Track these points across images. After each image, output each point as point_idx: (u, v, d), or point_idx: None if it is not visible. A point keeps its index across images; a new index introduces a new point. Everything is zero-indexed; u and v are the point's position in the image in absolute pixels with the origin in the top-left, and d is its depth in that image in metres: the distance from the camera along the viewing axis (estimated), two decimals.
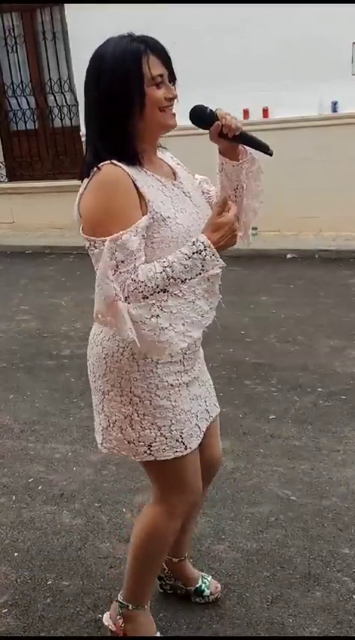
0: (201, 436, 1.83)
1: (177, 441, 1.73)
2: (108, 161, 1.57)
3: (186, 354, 1.74)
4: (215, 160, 1.84)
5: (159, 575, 2.15)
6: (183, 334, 1.58)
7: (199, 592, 2.16)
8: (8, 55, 8.20)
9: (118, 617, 1.97)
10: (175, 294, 1.54)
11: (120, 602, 1.97)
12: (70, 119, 8.14)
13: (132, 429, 1.72)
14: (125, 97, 1.56)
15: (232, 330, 4.53)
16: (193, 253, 1.55)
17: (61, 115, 8.19)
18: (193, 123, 1.73)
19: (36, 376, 4.12)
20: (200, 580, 2.18)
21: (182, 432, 1.74)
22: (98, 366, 1.74)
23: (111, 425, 1.75)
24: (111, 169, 1.56)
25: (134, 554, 1.91)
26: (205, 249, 1.55)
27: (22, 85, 8.24)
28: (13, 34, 8.10)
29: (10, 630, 2.13)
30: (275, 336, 4.46)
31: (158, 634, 2.00)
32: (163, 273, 1.53)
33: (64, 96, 8.09)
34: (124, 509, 2.70)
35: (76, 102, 7.89)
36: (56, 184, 8.01)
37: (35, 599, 2.25)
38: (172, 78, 1.64)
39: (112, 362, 1.70)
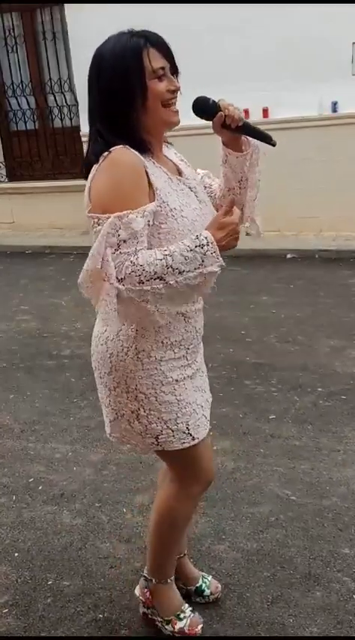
0: (208, 425, 1.87)
1: (184, 432, 1.77)
2: (121, 145, 1.56)
3: (189, 348, 1.78)
4: (218, 153, 1.84)
5: None
6: (164, 313, 1.59)
7: (199, 592, 2.17)
8: (8, 55, 8.20)
9: (145, 590, 2.08)
10: (170, 284, 1.53)
11: (145, 577, 2.08)
12: (70, 119, 8.13)
13: (140, 422, 1.76)
14: (126, 92, 1.56)
15: (232, 330, 4.53)
16: (195, 246, 1.55)
17: (61, 115, 8.19)
18: (196, 114, 1.72)
19: (36, 376, 4.12)
20: (200, 580, 2.19)
21: (188, 424, 1.78)
22: (103, 364, 1.77)
23: (119, 417, 1.79)
24: (123, 151, 1.56)
25: (152, 531, 1.99)
26: (207, 245, 1.55)
27: (22, 85, 8.23)
28: (13, 34, 8.10)
29: (11, 630, 2.13)
30: (276, 336, 4.46)
31: (186, 606, 2.06)
32: (163, 260, 1.52)
33: (64, 96, 8.09)
34: (125, 509, 2.70)
35: (76, 102, 7.89)
36: (56, 184, 8.02)
37: (36, 599, 2.25)
38: (174, 70, 1.64)
39: (117, 361, 1.72)
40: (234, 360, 4.03)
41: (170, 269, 1.52)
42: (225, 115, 1.70)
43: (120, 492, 2.81)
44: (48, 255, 7.20)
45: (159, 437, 1.77)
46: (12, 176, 8.59)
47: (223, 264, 1.58)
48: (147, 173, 1.58)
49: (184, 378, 1.77)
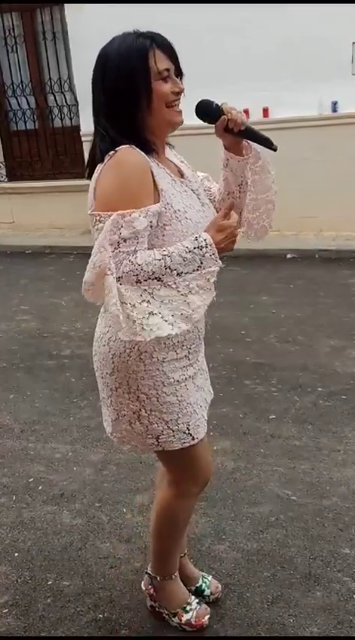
0: (206, 424, 1.88)
1: (184, 432, 1.78)
2: (127, 145, 1.56)
3: (190, 348, 1.78)
4: (219, 156, 1.85)
5: None
6: (172, 324, 1.54)
7: (199, 592, 2.17)
8: (8, 55, 8.19)
9: (150, 586, 2.11)
10: (169, 284, 1.53)
11: (149, 574, 2.09)
12: (70, 119, 8.13)
13: (140, 423, 1.77)
14: (132, 92, 1.57)
15: (232, 330, 4.53)
16: (194, 248, 1.55)
17: (61, 115, 8.19)
18: (199, 117, 1.73)
19: (36, 376, 4.12)
20: (200, 580, 2.19)
21: (189, 425, 1.78)
22: (105, 365, 1.77)
23: (120, 418, 1.80)
24: (131, 150, 1.57)
25: (153, 532, 2.01)
26: (206, 247, 1.56)
27: (22, 85, 8.23)
28: (13, 34, 8.10)
29: (11, 630, 2.13)
30: (276, 336, 4.46)
31: (192, 598, 2.08)
32: (161, 261, 1.52)
33: (64, 96, 8.09)
34: (125, 509, 2.69)
35: (76, 102, 7.89)
36: (56, 184, 8.02)
37: (36, 599, 2.25)
38: (179, 72, 1.65)
39: (119, 362, 1.72)
40: (234, 360, 4.03)
41: (168, 270, 1.52)
42: (228, 119, 1.71)
43: (121, 492, 2.81)
44: (48, 255, 7.19)
45: (160, 437, 1.77)
46: (12, 176, 8.59)
47: (222, 265, 1.58)
48: (152, 174, 1.58)
49: (186, 379, 1.78)
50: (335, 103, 6.60)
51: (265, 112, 6.79)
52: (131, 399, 1.75)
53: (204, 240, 1.56)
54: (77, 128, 7.85)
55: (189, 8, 6.59)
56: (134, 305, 1.51)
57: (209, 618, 2.07)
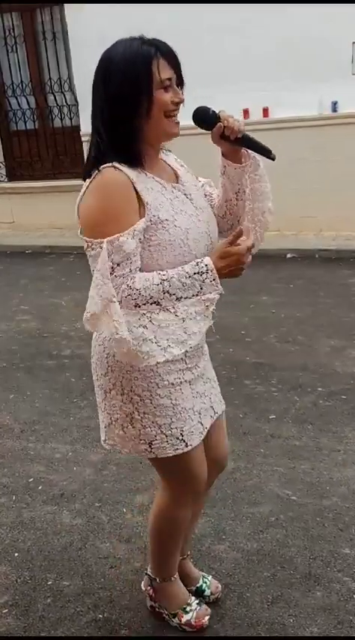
0: (204, 433, 1.85)
1: (178, 438, 1.75)
2: (110, 164, 1.58)
3: (188, 351, 1.74)
4: (217, 162, 1.84)
5: None
6: (165, 349, 1.58)
7: (200, 592, 2.17)
8: (8, 55, 8.19)
9: (149, 587, 2.11)
10: (167, 309, 1.55)
11: (148, 575, 2.09)
12: (70, 119, 8.13)
13: (133, 427, 1.75)
14: (133, 99, 1.57)
15: (232, 329, 4.53)
16: (194, 273, 1.56)
17: (61, 115, 8.19)
18: (196, 124, 1.73)
19: (36, 376, 4.12)
20: (201, 580, 2.19)
21: (182, 430, 1.75)
22: (100, 365, 1.77)
23: (113, 422, 1.78)
24: (111, 172, 1.58)
25: (151, 537, 2.02)
26: (207, 272, 1.56)
27: (22, 85, 8.23)
28: (13, 33, 8.09)
29: (11, 630, 2.13)
30: (276, 335, 4.46)
31: (192, 599, 2.07)
32: (160, 285, 1.54)
33: (64, 96, 8.09)
34: (125, 509, 2.69)
35: (76, 102, 7.88)
36: (56, 184, 8.01)
37: (35, 600, 2.25)
38: (180, 82, 1.65)
39: (113, 361, 1.72)
40: (234, 360, 4.03)
41: (167, 294, 1.54)
42: (224, 126, 1.71)
43: (121, 492, 2.81)
44: (48, 255, 7.20)
45: (153, 443, 1.75)
46: (12, 176, 8.59)
47: (222, 291, 1.59)
48: (136, 190, 1.58)
49: (181, 383, 1.75)
50: (335, 103, 6.60)
51: (265, 111, 6.79)
52: (124, 400, 1.74)
53: (205, 265, 1.57)
54: (77, 128, 7.84)
55: (189, 8, 6.59)
56: (130, 330, 1.54)
57: (209, 618, 2.07)
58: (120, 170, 1.57)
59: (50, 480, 2.96)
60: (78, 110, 7.87)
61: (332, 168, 6.59)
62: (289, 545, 2.41)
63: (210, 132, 1.74)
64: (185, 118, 1.74)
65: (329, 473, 2.83)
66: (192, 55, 6.59)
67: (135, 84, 1.56)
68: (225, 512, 2.62)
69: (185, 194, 1.73)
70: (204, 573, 2.24)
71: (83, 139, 7.54)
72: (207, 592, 2.18)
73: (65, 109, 8.14)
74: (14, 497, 2.85)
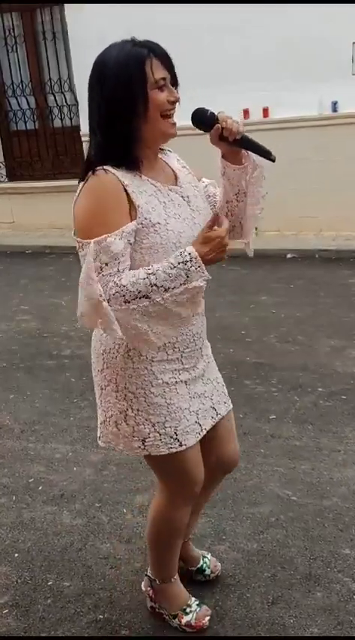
0: (202, 433, 1.84)
1: (172, 437, 1.76)
2: (102, 167, 1.60)
3: (184, 351, 1.77)
4: (216, 163, 1.84)
5: None
6: (160, 334, 1.62)
7: (201, 571, 2.25)
8: (8, 55, 8.19)
9: (149, 588, 2.11)
10: (157, 301, 1.56)
11: (148, 576, 2.10)
12: (70, 119, 8.13)
13: (127, 424, 1.76)
14: (129, 101, 1.58)
15: (232, 330, 4.53)
16: (179, 263, 1.56)
17: (61, 115, 8.19)
18: (194, 125, 1.74)
19: (36, 376, 4.12)
20: (201, 560, 2.26)
21: (177, 429, 1.76)
22: (97, 362, 1.80)
23: (108, 420, 1.81)
24: (102, 175, 1.60)
25: (149, 539, 2.02)
26: (191, 260, 1.56)
27: (22, 85, 8.23)
28: (13, 33, 8.09)
29: (11, 631, 2.13)
30: (276, 336, 4.45)
31: (192, 600, 2.08)
32: (146, 279, 1.55)
33: (64, 96, 8.09)
34: (125, 510, 2.69)
35: (76, 102, 7.88)
36: (56, 184, 8.01)
37: (36, 600, 2.25)
38: (174, 81, 1.66)
39: (109, 358, 1.74)
40: (234, 360, 4.03)
41: (155, 287, 1.55)
42: (222, 128, 1.71)
43: (121, 493, 2.81)
44: (48, 255, 7.20)
45: (146, 440, 1.75)
46: (12, 176, 8.59)
47: (209, 277, 1.59)
48: (127, 193, 1.59)
49: (176, 382, 1.76)
50: (335, 103, 6.60)
51: (265, 111, 6.78)
52: (118, 397, 1.76)
53: (189, 254, 1.57)
54: (77, 128, 7.84)
55: (189, 8, 6.59)
56: (125, 326, 1.58)
57: (209, 619, 2.07)
58: (112, 173, 1.59)
59: (50, 480, 2.96)
60: (78, 110, 7.87)
61: (332, 168, 6.59)
62: (289, 546, 2.40)
63: (208, 133, 1.74)
64: (184, 118, 1.74)
65: (330, 473, 2.83)
66: (192, 55, 6.61)
67: (128, 86, 1.57)
68: (225, 512, 2.62)
69: (182, 196, 1.73)
70: (204, 552, 2.30)
71: (83, 139, 7.54)
72: (208, 571, 2.24)
73: (65, 109, 8.14)
74: (14, 498, 2.85)
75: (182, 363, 1.77)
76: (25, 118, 8.36)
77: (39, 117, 8.30)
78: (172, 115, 1.66)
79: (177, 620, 2.06)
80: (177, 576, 2.08)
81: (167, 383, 1.74)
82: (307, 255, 6.37)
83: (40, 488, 2.91)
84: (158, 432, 1.75)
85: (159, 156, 1.78)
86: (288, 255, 6.42)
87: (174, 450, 1.77)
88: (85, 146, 7.80)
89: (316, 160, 6.59)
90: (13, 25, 8.05)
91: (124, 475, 2.93)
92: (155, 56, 1.59)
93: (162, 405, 1.74)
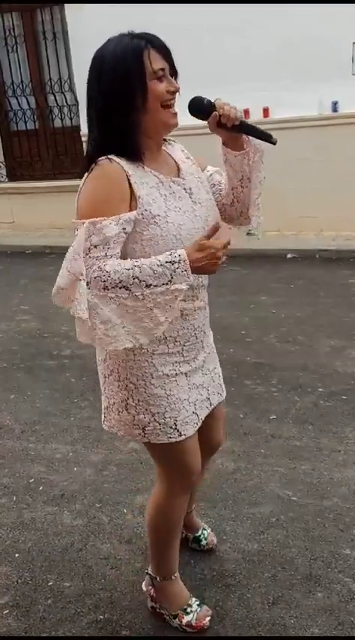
0: (199, 424, 1.88)
1: (171, 427, 1.78)
2: (106, 157, 1.61)
3: (185, 345, 1.79)
4: (218, 152, 1.84)
5: None
6: (132, 336, 1.57)
7: (197, 540, 2.37)
8: (8, 55, 8.19)
9: (150, 587, 2.12)
10: (136, 295, 1.54)
11: (149, 575, 2.11)
12: (71, 119, 8.13)
13: (128, 412, 1.79)
14: (127, 93, 1.59)
15: (232, 330, 4.53)
16: (166, 262, 1.56)
17: (61, 115, 8.19)
18: (192, 114, 1.73)
19: (36, 376, 4.12)
20: (200, 530, 2.38)
21: (176, 420, 1.79)
22: (100, 351, 1.83)
23: (111, 406, 1.84)
24: (106, 164, 1.61)
25: (148, 532, 2.04)
26: (179, 262, 1.55)
27: (23, 85, 8.23)
28: (13, 33, 8.10)
29: (12, 631, 2.13)
30: (276, 336, 4.45)
31: (193, 600, 2.09)
32: (130, 270, 1.54)
33: (65, 96, 8.09)
34: (125, 510, 2.69)
35: (77, 102, 7.89)
36: (56, 184, 8.01)
37: (36, 600, 2.25)
38: (173, 72, 1.66)
39: (111, 349, 1.72)
40: (235, 360, 4.03)
41: (136, 280, 1.53)
42: (220, 115, 1.71)
43: (121, 493, 2.81)
44: (48, 255, 7.19)
45: (146, 428, 1.79)
46: (12, 176, 8.59)
47: (191, 282, 1.58)
48: (130, 183, 1.60)
49: (177, 374, 1.78)
50: (335, 103, 6.60)
51: (265, 112, 6.79)
52: (120, 387, 1.78)
53: (179, 255, 1.56)
54: (77, 128, 7.85)
55: (189, 8, 6.59)
56: (98, 313, 1.54)
57: (209, 619, 2.07)
58: (117, 162, 1.61)
59: (51, 480, 2.96)
60: (78, 110, 7.88)
61: (333, 168, 6.59)
62: (290, 546, 2.40)
63: (206, 122, 1.74)
64: (184, 118, 1.74)
65: (330, 473, 2.83)
66: (192, 55, 6.61)
67: (126, 78, 1.58)
68: (225, 512, 2.62)
69: (184, 189, 1.74)
70: (204, 525, 2.42)
71: (83, 139, 7.53)
72: (204, 542, 2.36)
73: (65, 109, 8.15)
74: (15, 498, 2.85)
75: (183, 356, 1.79)
76: (25, 118, 8.36)
77: (39, 117, 8.30)
78: (173, 104, 1.66)
79: (177, 620, 2.06)
80: (177, 574, 2.08)
81: (167, 375, 1.76)
82: (307, 255, 6.37)
83: (40, 488, 2.91)
84: (158, 422, 1.77)
85: (163, 147, 1.79)
86: (288, 255, 6.42)
87: (173, 440, 1.80)
88: (85, 146, 7.84)
89: (316, 159, 6.59)
90: (13, 24, 8.06)
91: (125, 475, 2.93)
92: (153, 47, 1.60)
93: (162, 396, 1.76)
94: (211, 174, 1.92)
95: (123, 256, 1.61)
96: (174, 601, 2.08)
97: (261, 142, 1.78)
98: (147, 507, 2.03)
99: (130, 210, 1.60)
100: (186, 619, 2.05)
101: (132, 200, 1.61)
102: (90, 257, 1.55)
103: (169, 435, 1.79)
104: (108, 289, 1.53)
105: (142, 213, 1.61)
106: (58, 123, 8.24)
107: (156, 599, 2.10)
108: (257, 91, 6.45)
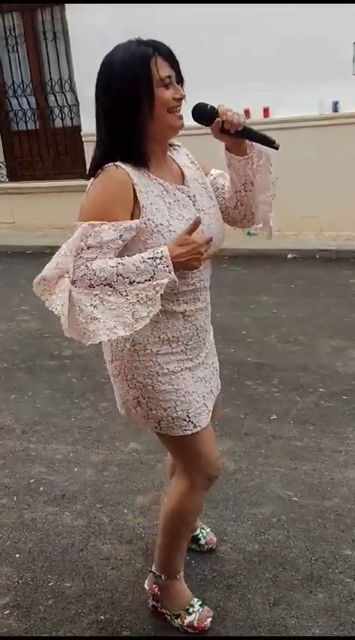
0: (209, 414, 1.92)
1: (185, 420, 1.82)
2: (113, 163, 1.63)
3: (187, 344, 1.82)
4: (220, 157, 1.85)
5: None
6: (110, 330, 1.58)
7: (196, 540, 2.36)
8: (9, 55, 8.19)
9: (154, 585, 2.12)
10: (119, 291, 1.57)
11: (153, 573, 2.10)
12: (71, 119, 8.12)
13: (141, 408, 1.83)
14: (135, 99, 1.61)
15: (233, 330, 4.53)
16: (148, 258, 1.58)
17: (61, 115, 8.18)
18: (195, 120, 1.76)
19: (37, 377, 4.12)
20: (198, 530, 2.37)
21: (189, 412, 1.82)
22: (106, 353, 1.86)
23: (126, 402, 1.88)
24: (113, 170, 1.63)
25: (163, 529, 2.02)
26: (161, 258, 1.58)
27: (23, 85, 8.23)
28: (13, 33, 8.09)
29: (12, 632, 2.13)
30: (276, 336, 4.45)
31: (195, 600, 2.09)
32: (114, 268, 1.57)
33: (65, 96, 8.08)
34: (126, 511, 2.69)
35: (77, 102, 7.88)
36: (57, 184, 8.01)
37: (37, 601, 2.25)
38: (180, 79, 1.69)
39: (117, 351, 1.80)
40: (235, 361, 4.03)
41: (120, 277, 1.56)
42: (223, 121, 1.73)
43: (122, 493, 2.80)
44: (48, 256, 6.95)
45: (161, 422, 1.83)
46: (12, 176, 8.59)
47: (174, 277, 1.59)
48: (135, 191, 1.62)
49: (182, 370, 1.81)
50: (335, 103, 6.60)
51: (265, 112, 6.79)
52: (130, 385, 1.82)
53: (160, 251, 1.59)
54: (78, 128, 7.84)
55: (189, 8, 6.59)
56: (81, 309, 1.57)
57: (211, 620, 2.07)
58: (123, 169, 1.63)
59: (51, 480, 2.96)
60: (78, 110, 7.87)
61: (333, 168, 6.59)
62: (291, 547, 2.40)
63: (210, 127, 1.75)
64: (187, 119, 1.74)
65: (331, 474, 2.83)
66: (192, 55, 6.60)
67: (135, 84, 1.61)
68: (226, 513, 2.62)
69: (188, 196, 1.76)
70: (203, 525, 2.42)
71: (84, 139, 7.54)
72: (202, 541, 2.37)
73: (66, 109, 8.14)
74: (15, 498, 2.85)
75: (186, 354, 1.82)
76: (25, 118, 8.36)
77: (39, 117, 8.30)
78: (179, 109, 1.69)
79: (179, 620, 2.06)
80: (182, 574, 2.09)
81: (173, 371, 1.79)
82: (308, 256, 6.37)
83: (41, 488, 2.91)
84: (171, 417, 1.80)
85: (168, 153, 1.81)
86: (289, 256, 6.42)
87: (188, 432, 1.83)
88: (86, 146, 7.81)
89: (317, 160, 6.59)
90: (13, 24, 8.05)
91: (125, 476, 2.93)
92: (160, 55, 1.63)
93: (171, 391, 1.79)
94: (215, 178, 1.94)
95: None
96: (177, 600, 2.08)
97: (266, 147, 1.80)
98: (164, 506, 2.02)
99: (133, 218, 1.62)
100: (188, 619, 2.05)
101: (136, 208, 1.63)
102: (80, 257, 1.58)
103: (184, 428, 1.82)
104: (93, 287, 1.56)
105: (145, 222, 1.63)
106: (58, 123, 8.24)
107: (158, 598, 2.11)
108: (257, 91, 6.45)
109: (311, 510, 2.60)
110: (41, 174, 8.39)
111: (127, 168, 1.63)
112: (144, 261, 1.58)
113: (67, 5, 7.41)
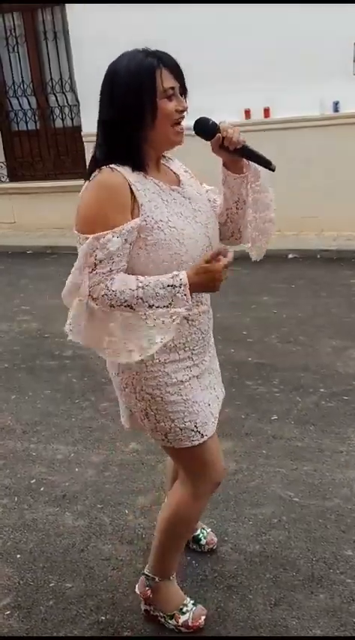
0: (216, 422, 1.92)
1: (192, 430, 1.82)
2: (108, 165, 1.64)
3: (194, 350, 1.82)
4: (218, 171, 1.88)
5: None
6: (130, 353, 1.63)
7: (197, 540, 2.37)
8: (9, 55, 8.19)
9: (146, 588, 2.09)
10: (139, 314, 1.61)
11: (146, 575, 2.09)
12: (71, 119, 8.12)
13: (149, 420, 1.83)
14: (138, 108, 1.63)
15: (233, 330, 4.53)
16: (168, 285, 1.61)
17: (62, 115, 8.19)
18: (196, 133, 1.77)
19: (38, 377, 4.12)
20: (199, 530, 2.37)
21: (196, 422, 1.83)
22: (112, 366, 1.86)
23: (134, 413, 1.88)
24: (108, 173, 1.64)
25: (163, 531, 2.01)
26: (180, 287, 1.61)
27: (23, 85, 8.23)
28: (14, 33, 8.09)
29: (13, 632, 2.13)
30: (277, 336, 4.45)
31: (187, 600, 2.09)
32: (135, 291, 1.59)
33: (65, 96, 8.08)
34: (127, 511, 2.69)
35: (77, 102, 7.88)
36: (57, 184, 8.01)
37: (38, 601, 2.25)
38: (183, 90, 1.70)
39: (123, 363, 1.76)
40: (236, 361, 4.03)
41: (140, 300, 1.60)
42: (223, 137, 1.75)
43: (122, 494, 2.80)
44: (49, 256, 7.19)
45: (168, 435, 1.82)
46: (13, 176, 8.59)
47: (190, 307, 1.64)
48: (132, 190, 1.64)
49: (190, 379, 1.82)
50: (336, 103, 6.59)
51: (266, 112, 6.78)
52: (138, 398, 1.81)
53: (180, 279, 1.62)
54: (78, 128, 7.84)
55: (189, 8, 6.59)
56: (106, 326, 1.63)
57: (211, 620, 2.07)
58: (118, 171, 1.64)
59: (52, 481, 2.96)
60: (79, 110, 7.87)
61: (334, 168, 6.58)
62: (291, 547, 2.40)
63: (210, 142, 1.78)
64: (187, 119, 1.74)
65: (332, 474, 2.83)
66: (192, 55, 6.58)
67: (139, 94, 1.62)
68: (227, 513, 2.62)
69: (184, 196, 1.77)
70: (204, 525, 2.42)
71: (84, 139, 7.54)
72: (203, 542, 2.37)
73: (66, 109, 8.14)
74: (16, 499, 2.85)
75: (192, 360, 1.83)
76: (26, 118, 8.36)
77: (40, 117, 8.30)
78: (181, 122, 1.70)
79: (173, 620, 2.06)
80: (175, 575, 2.09)
81: (181, 381, 1.80)
82: (308, 256, 6.37)
83: (41, 489, 2.90)
84: (179, 428, 1.81)
85: (162, 161, 1.82)
86: (289, 256, 6.42)
87: (196, 442, 1.84)
88: (86, 146, 7.80)
89: (317, 160, 6.59)
90: (14, 24, 8.05)
91: (126, 476, 2.93)
92: (165, 66, 1.64)
93: (180, 402, 1.80)
94: (207, 191, 1.95)
95: (129, 260, 1.65)
96: (170, 601, 2.08)
97: (260, 167, 1.82)
98: (165, 510, 2.01)
99: (132, 217, 1.63)
100: (182, 619, 2.05)
101: (135, 208, 1.64)
102: (96, 273, 1.60)
103: (192, 439, 1.83)
104: (114, 307, 1.60)
105: (145, 220, 1.64)
106: (58, 123, 8.24)
107: (150, 600, 2.09)
108: (258, 91, 6.45)
109: (312, 511, 2.59)
110: (42, 174, 8.39)
111: (123, 169, 1.64)
112: (163, 288, 1.60)
113: (67, 5, 7.41)
